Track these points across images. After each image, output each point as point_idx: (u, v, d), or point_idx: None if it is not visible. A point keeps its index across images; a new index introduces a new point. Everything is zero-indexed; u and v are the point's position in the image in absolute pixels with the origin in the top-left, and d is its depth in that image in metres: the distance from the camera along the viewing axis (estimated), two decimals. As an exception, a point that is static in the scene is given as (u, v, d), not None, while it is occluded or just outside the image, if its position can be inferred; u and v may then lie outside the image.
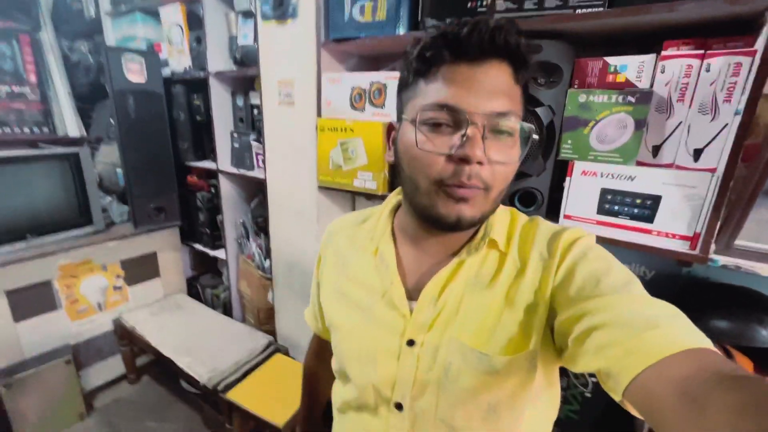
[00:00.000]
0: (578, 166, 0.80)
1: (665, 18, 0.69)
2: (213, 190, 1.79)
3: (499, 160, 0.42)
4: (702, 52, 0.67)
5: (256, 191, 1.78)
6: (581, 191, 0.81)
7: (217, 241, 1.85)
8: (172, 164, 1.69)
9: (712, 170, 0.69)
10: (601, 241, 0.76)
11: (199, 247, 1.92)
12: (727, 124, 0.67)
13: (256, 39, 1.28)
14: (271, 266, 1.53)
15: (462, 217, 0.43)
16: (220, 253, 1.83)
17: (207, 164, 1.73)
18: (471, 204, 0.43)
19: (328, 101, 1.13)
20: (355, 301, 0.55)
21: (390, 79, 1.00)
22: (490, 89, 0.41)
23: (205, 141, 1.77)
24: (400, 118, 0.48)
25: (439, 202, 0.43)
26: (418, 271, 0.52)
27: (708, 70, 0.66)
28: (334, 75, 1.11)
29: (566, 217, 0.83)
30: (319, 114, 1.16)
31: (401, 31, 0.96)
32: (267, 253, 1.63)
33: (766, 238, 0.77)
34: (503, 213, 0.52)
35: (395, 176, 1.07)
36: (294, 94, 1.22)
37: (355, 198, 1.37)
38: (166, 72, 1.65)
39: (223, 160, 1.63)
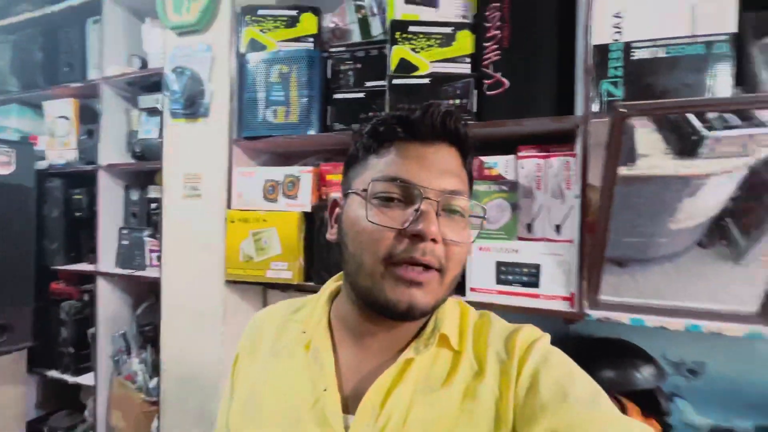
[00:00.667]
0: (475, 243, 0.92)
1: (516, 130, 0.92)
2: (86, 298, 1.50)
3: (454, 239, 0.40)
4: (545, 153, 0.89)
5: (145, 295, 1.54)
6: (480, 265, 0.91)
7: (84, 362, 1.49)
8: (31, 269, 1.39)
9: (570, 241, 0.86)
10: (501, 309, 0.86)
11: (54, 374, 1.50)
12: (572, 206, 0.87)
13: (160, 134, 1.27)
14: (158, 386, 1.26)
15: (414, 304, 0.38)
16: (85, 379, 1.45)
17: (82, 267, 1.48)
18: (425, 290, 0.39)
19: (239, 193, 1.13)
20: (271, 417, 0.43)
21: (304, 172, 1.06)
22: (442, 168, 0.41)
23: (83, 240, 1.53)
24: (346, 194, 0.45)
25: (387, 286, 0.38)
26: (358, 373, 0.44)
27: (551, 167, 0.88)
28: (246, 169, 1.13)
29: (472, 289, 0.92)
30: (228, 206, 1.14)
31: (312, 132, 1.07)
32: (154, 370, 1.36)
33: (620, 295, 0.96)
34: (452, 305, 0.48)
35: (311, 265, 1.06)
36: (201, 188, 1.19)
37: (267, 292, 1.29)
38: (42, 165, 1.47)
39: (106, 261, 1.41)
